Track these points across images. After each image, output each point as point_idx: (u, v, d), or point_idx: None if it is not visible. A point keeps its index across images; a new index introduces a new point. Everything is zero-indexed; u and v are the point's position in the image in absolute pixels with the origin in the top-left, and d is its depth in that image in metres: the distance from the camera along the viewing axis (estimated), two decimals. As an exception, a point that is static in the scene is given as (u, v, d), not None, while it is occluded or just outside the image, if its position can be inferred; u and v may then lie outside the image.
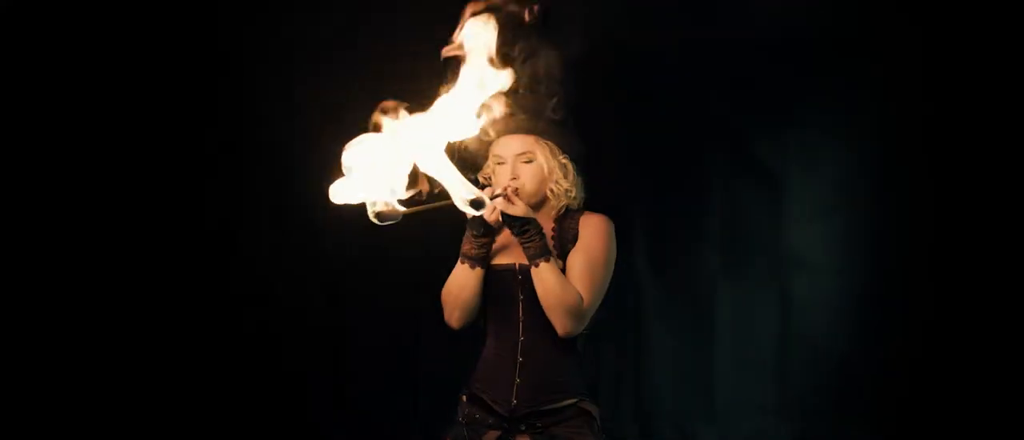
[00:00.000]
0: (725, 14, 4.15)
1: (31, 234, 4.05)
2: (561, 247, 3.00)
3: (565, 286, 2.89)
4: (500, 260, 3.00)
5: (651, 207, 4.29)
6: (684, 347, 4.30)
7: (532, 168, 2.97)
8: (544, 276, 2.87)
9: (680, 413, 4.28)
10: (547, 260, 2.88)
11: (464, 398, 3.00)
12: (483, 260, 2.95)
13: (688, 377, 4.28)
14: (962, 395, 4.09)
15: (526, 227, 2.86)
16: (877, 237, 4.24)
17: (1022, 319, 4.04)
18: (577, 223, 3.03)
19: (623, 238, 4.06)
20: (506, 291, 2.97)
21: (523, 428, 2.92)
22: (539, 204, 3.01)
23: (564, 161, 3.02)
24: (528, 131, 2.97)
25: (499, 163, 2.98)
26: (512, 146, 2.97)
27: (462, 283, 2.95)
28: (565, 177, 3.01)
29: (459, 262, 2.96)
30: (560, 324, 2.90)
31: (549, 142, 2.99)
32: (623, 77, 4.19)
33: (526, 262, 2.92)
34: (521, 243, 2.88)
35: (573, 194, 3.04)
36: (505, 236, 3.00)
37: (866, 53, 4.16)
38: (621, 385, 4.31)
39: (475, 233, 2.92)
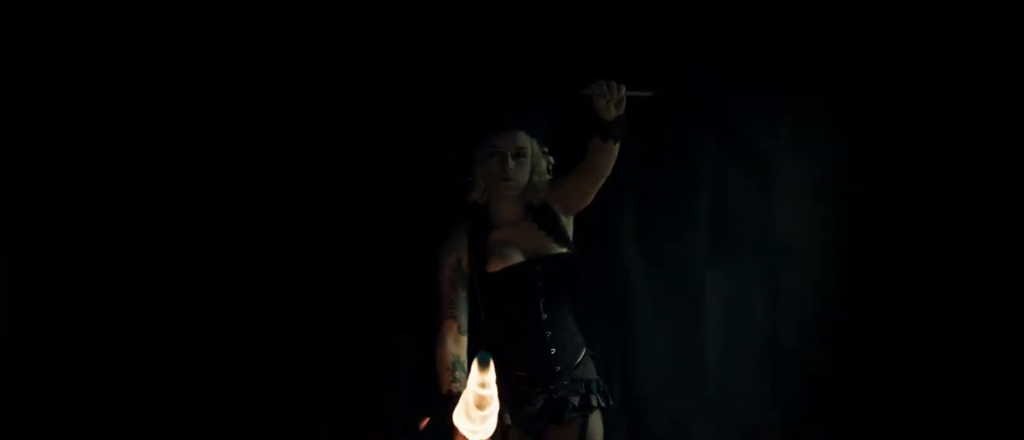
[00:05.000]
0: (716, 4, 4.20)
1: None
2: (542, 221, 3.19)
3: None
4: (509, 261, 3.14)
5: (640, 196, 4.30)
6: (674, 337, 4.31)
7: (524, 162, 3.16)
8: (614, 151, 3.09)
9: (670, 402, 4.29)
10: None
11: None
12: None
13: (678, 366, 4.30)
14: (955, 383, 4.15)
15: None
16: (867, 225, 4.29)
17: (1013, 308, 4.10)
18: (546, 196, 3.21)
19: (612, 227, 4.22)
20: (524, 286, 3.13)
21: (566, 383, 3.14)
22: (521, 194, 3.19)
23: (547, 156, 3.23)
24: (521, 126, 3.17)
25: (491, 153, 3.14)
26: (509, 140, 3.14)
27: None
28: (547, 171, 3.22)
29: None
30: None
31: (535, 137, 3.19)
32: (617, 70, 4.20)
33: (539, 254, 3.13)
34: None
35: (545, 186, 3.22)
36: (508, 232, 3.15)
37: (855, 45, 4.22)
38: (610, 375, 4.28)
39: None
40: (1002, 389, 4.08)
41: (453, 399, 2.93)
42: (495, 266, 3.13)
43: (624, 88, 2.99)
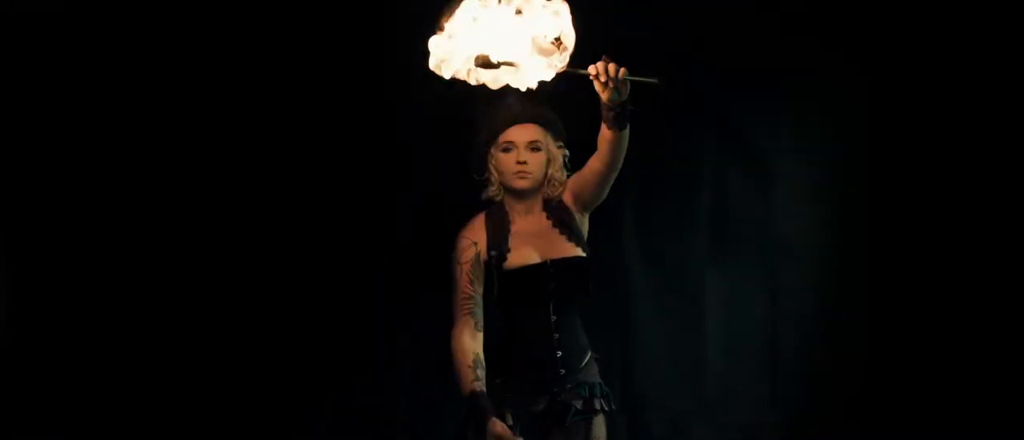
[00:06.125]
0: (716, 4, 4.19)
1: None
2: (558, 219, 3.15)
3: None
4: (525, 261, 3.09)
5: (640, 196, 4.30)
6: (674, 336, 4.31)
7: (540, 156, 3.12)
8: (622, 140, 3.01)
9: (670, 402, 4.29)
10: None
11: (498, 381, 3.10)
12: None
13: (678, 366, 4.30)
14: (955, 383, 4.14)
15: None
16: (867, 225, 4.29)
17: (1013, 308, 4.10)
18: (561, 193, 3.17)
19: (613, 226, 4.22)
20: (536, 286, 3.09)
21: (570, 386, 3.10)
22: (537, 190, 3.15)
23: (562, 150, 3.18)
24: (534, 119, 3.12)
25: (506, 150, 3.11)
26: (523, 134, 3.11)
27: None
28: (563, 166, 3.17)
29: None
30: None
31: (550, 132, 3.15)
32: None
33: (554, 256, 3.08)
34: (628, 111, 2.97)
35: (563, 181, 3.18)
36: (524, 231, 3.11)
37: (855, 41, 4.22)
38: (610, 375, 4.29)
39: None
40: (1002, 389, 4.08)
41: (478, 398, 2.92)
42: (510, 264, 3.09)
43: (624, 71, 2.93)
